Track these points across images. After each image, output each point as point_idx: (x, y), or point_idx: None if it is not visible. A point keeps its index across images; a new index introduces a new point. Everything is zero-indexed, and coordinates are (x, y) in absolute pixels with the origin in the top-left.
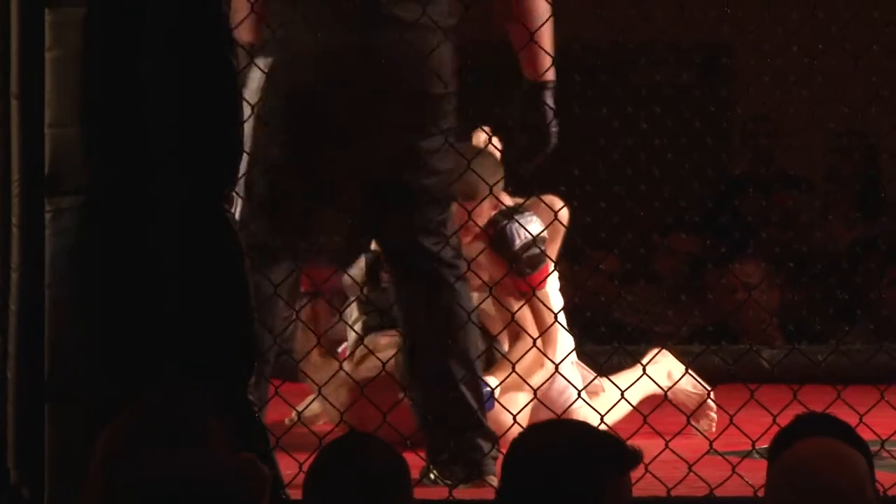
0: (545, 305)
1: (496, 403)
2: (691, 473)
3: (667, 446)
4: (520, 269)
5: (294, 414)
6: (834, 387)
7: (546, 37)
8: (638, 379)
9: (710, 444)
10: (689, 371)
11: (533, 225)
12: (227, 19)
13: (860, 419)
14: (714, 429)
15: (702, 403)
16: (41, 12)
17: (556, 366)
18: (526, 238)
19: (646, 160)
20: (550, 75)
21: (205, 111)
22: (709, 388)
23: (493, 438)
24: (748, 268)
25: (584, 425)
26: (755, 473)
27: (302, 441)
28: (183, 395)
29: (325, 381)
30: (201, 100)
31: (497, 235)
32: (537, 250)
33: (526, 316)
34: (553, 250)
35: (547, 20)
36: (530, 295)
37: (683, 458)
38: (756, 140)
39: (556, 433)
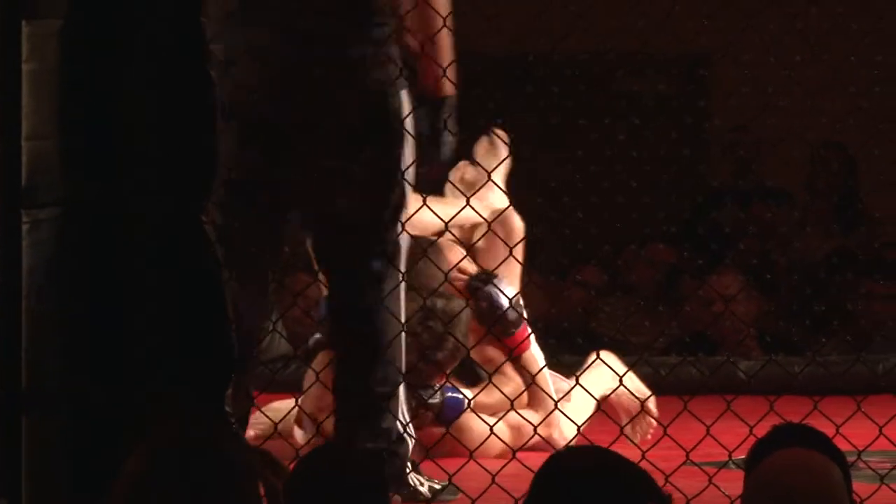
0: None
1: (470, 413)
2: (668, 484)
3: (643, 457)
4: (505, 330)
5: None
6: (811, 398)
7: (442, 50)
8: (572, 388)
9: (687, 455)
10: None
11: (508, 288)
12: (203, 29)
13: (837, 430)
14: (650, 436)
15: (641, 409)
16: (18, 24)
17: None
18: (504, 301)
19: (624, 171)
20: (446, 90)
21: (182, 122)
22: (650, 394)
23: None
24: (726, 279)
25: (620, 457)
26: (732, 484)
27: (279, 452)
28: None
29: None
30: (178, 111)
31: (485, 306)
32: (517, 313)
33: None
34: (521, 255)
35: (437, 31)
36: (518, 353)
37: (660, 468)
38: (735, 151)
39: (593, 460)
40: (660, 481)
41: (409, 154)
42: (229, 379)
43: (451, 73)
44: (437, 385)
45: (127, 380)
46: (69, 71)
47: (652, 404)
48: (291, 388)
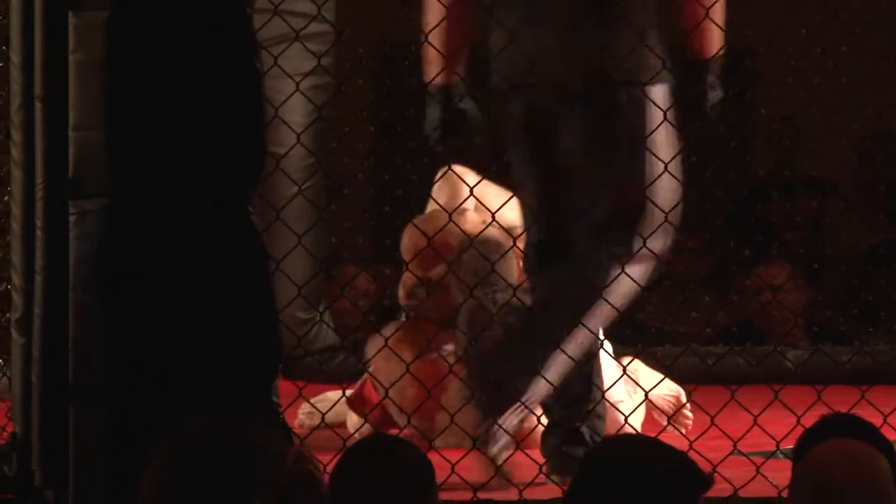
0: None
1: None
2: (716, 474)
3: (691, 446)
4: None
5: (303, 414)
6: (858, 387)
7: (716, 13)
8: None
9: (735, 445)
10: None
11: None
12: (251, 21)
13: (884, 420)
14: (689, 427)
15: (680, 407)
16: (65, 15)
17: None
18: None
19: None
20: (713, 48)
21: (229, 114)
22: (682, 391)
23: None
24: (773, 269)
25: (663, 444)
26: (779, 474)
27: (326, 443)
28: (236, 421)
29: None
30: (225, 103)
31: None
32: None
33: None
34: None
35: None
36: None
37: (707, 458)
38: (780, 142)
39: (636, 447)
40: (706, 470)
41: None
42: (276, 370)
43: (717, 31)
44: None
45: (173, 372)
46: (115, 62)
47: (683, 398)
48: (339, 378)
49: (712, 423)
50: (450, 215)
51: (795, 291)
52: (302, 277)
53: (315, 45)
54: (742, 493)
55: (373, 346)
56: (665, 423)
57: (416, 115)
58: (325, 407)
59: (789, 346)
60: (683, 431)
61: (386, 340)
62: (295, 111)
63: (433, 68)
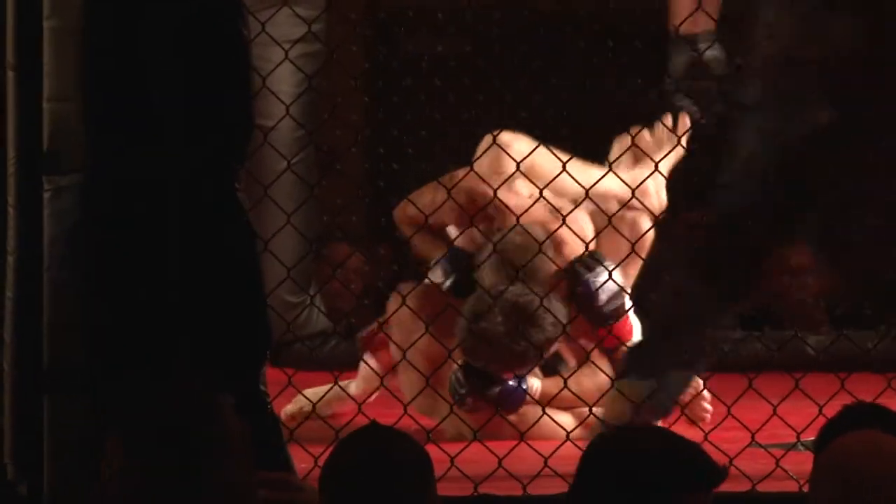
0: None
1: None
2: (732, 467)
3: (706, 438)
4: (602, 321)
5: (294, 405)
6: (884, 375)
7: None
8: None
9: (752, 437)
10: None
11: (616, 276)
12: None
13: None
14: (707, 420)
15: (696, 395)
16: None
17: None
18: (610, 291)
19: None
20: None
21: (214, 84)
22: (700, 381)
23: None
24: (794, 249)
25: (674, 434)
26: (800, 467)
27: (317, 434)
28: (202, 395)
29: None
30: (210, 72)
31: (582, 295)
32: (620, 302)
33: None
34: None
35: None
36: (609, 346)
37: (723, 450)
38: None
39: (644, 439)
40: (723, 464)
41: None
42: (264, 358)
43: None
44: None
45: (154, 357)
46: (93, 28)
47: (704, 391)
48: (330, 365)
49: (728, 414)
50: (495, 192)
51: (817, 273)
52: (291, 258)
53: (305, 9)
54: (760, 488)
55: (394, 303)
56: (680, 412)
57: (413, 84)
58: (315, 396)
59: (811, 331)
60: (699, 423)
61: (404, 299)
62: (284, 81)
63: (683, 13)
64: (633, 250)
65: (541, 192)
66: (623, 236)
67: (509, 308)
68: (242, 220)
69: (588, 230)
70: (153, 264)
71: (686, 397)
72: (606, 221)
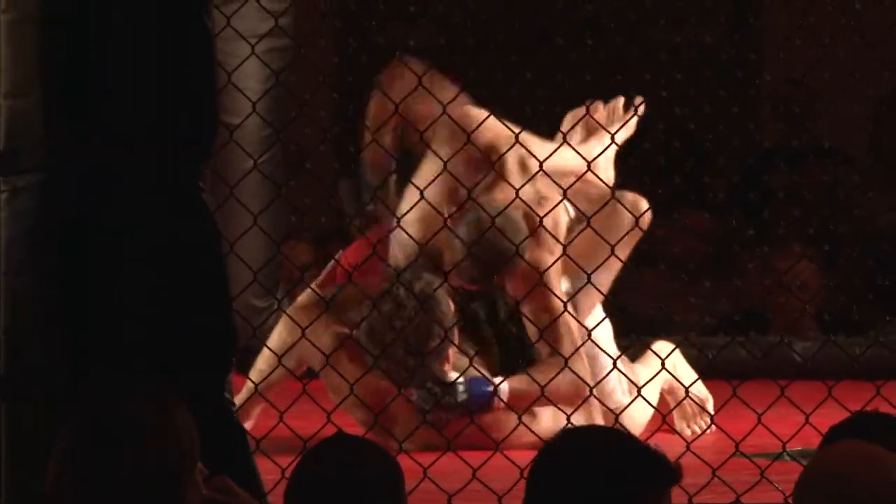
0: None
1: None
2: (716, 479)
3: (688, 448)
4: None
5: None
6: (873, 382)
7: None
8: (656, 374)
9: (737, 446)
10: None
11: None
12: None
13: None
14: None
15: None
16: None
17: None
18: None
19: (665, 130)
20: None
21: (177, 80)
22: (708, 396)
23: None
24: (785, 251)
25: (624, 434)
26: (786, 478)
27: (285, 444)
28: (140, 397)
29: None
30: (174, 67)
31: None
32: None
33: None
34: (624, 253)
35: None
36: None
37: (706, 461)
38: (788, 107)
39: (592, 441)
40: (706, 475)
41: None
42: (230, 363)
43: None
44: (454, 374)
45: (114, 363)
46: (52, 21)
47: (710, 406)
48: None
49: (712, 422)
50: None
51: (805, 276)
52: (258, 261)
53: (272, 3)
54: (745, 500)
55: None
56: (675, 422)
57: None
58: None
59: (798, 336)
60: (689, 433)
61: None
62: (250, 76)
63: None
64: (612, 252)
65: (540, 166)
66: (603, 239)
67: (475, 220)
68: (207, 221)
69: (563, 215)
70: (114, 267)
71: (691, 409)
72: (585, 205)
